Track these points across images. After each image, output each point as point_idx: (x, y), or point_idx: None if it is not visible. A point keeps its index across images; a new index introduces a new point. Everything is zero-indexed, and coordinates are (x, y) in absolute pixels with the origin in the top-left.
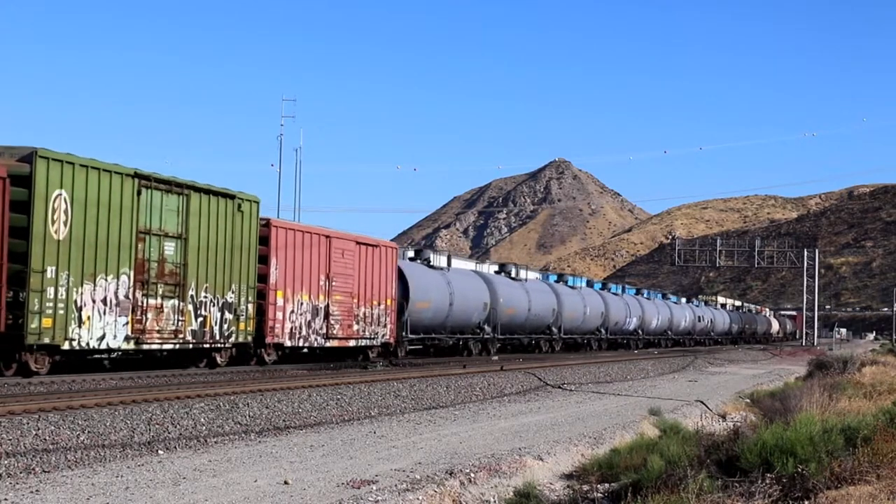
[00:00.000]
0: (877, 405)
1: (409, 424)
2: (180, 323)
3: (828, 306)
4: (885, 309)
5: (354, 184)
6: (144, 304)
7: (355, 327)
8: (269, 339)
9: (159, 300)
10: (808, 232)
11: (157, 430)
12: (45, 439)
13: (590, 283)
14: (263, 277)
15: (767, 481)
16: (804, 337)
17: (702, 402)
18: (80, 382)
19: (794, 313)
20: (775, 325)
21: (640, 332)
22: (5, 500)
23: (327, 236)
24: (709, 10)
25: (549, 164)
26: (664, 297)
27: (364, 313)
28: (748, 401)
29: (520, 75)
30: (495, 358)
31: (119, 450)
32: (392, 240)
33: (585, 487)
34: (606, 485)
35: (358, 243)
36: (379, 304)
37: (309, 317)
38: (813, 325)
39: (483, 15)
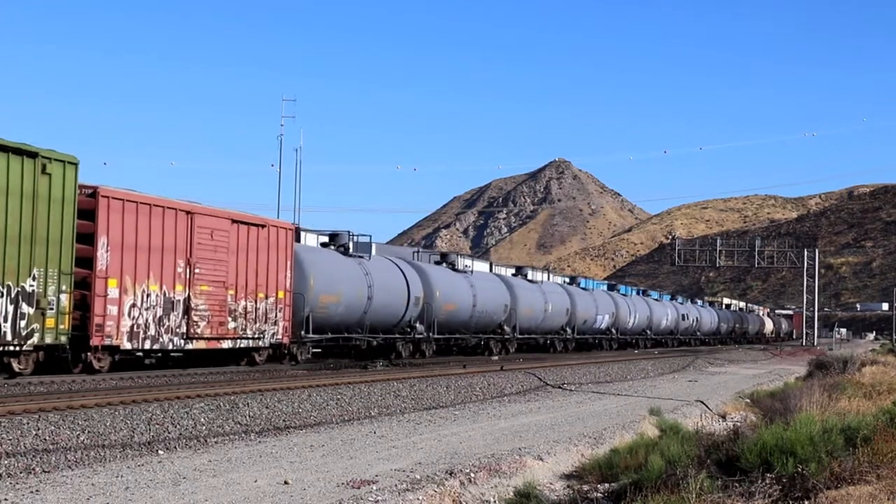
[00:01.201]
0: (877, 405)
1: (409, 424)
2: None
3: (826, 308)
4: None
5: (354, 184)
6: None
7: (231, 325)
8: (96, 341)
9: None
10: (808, 232)
11: (157, 430)
12: (45, 439)
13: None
14: (89, 262)
15: (767, 481)
16: (804, 337)
17: (702, 402)
18: (80, 382)
19: (790, 313)
20: (769, 325)
21: (613, 330)
22: (5, 500)
23: (188, 212)
24: (709, 11)
25: (549, 164)
26: (644, 293)
27: (245, 308)
28: (748, 401)
29: (520, 75)
30: (495, 358)
31: (119, 450)
32: (392, 240)
33: (585, 487)
34: (606, 485)
35: (234, 221)
36: (267, 298)
37: (160, 312)
38: (813, 324)
39: (483, 15)
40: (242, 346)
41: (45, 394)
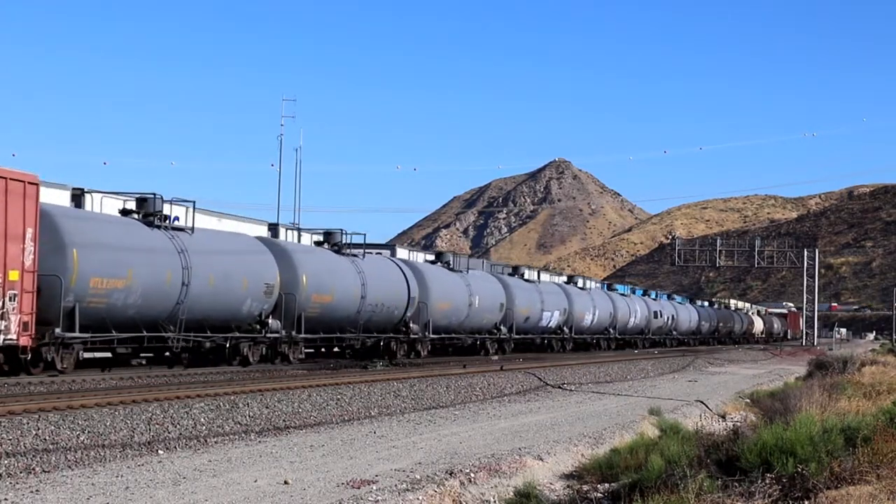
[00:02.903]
0: (877, 405)
1: (409, 424)
2: None
3: (836, 303)
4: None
5: (354, 184)
6: None
7: None
8: None
9: None
10: (808, 232)
11: (157, 430)
12: (45, 439)
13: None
14: None
15: (767, 481)
16: (804, 337)
17: (702, 402)
18: (80, 382)
19: (784, 311)
20: (758, 325)
21: (564, 329)
22: (5, 500)
23: None
24: (709, 11)
25: (549, 164)
26: (609, 287)
27: None
28: (748, 401)
29: (520, 75)
30: (495, 358)
31: (119, 450)
32: (391, 240)
33: (585, 487)
34: (606, 485)
35: None
36: None
37: None
38: (813, 324)
39: (483, 15)
40: None
41: (45, 394)
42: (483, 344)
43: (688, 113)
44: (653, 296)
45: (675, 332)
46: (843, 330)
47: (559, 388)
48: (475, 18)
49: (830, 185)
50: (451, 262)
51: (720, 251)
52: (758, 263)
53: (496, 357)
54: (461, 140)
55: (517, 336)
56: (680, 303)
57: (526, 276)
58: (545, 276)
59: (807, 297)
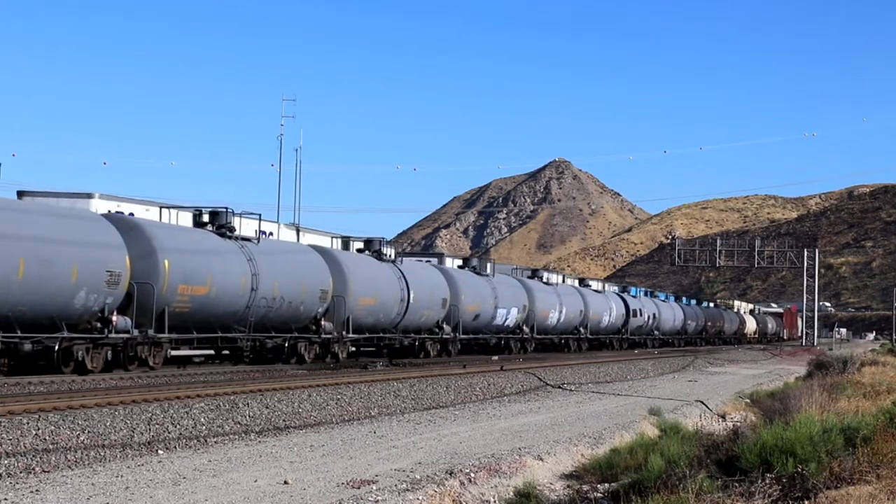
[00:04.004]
0: (876, 405)
1: (409, 424)
2: None
3: (827, 303)
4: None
5: (354, 184)
6: None
7: None
8: None
9: None
10: (808, 232)
11: (157, 430)
12: (45, 439)
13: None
14: None
15: (767, 481)
16: (804, 337)
17: (702, 402)
18: (80, 382)
19: (780, 310)
20: (750, 325)
21: (524, 329)
22: (5, 500)
23: None
24: (709, 11)
25: (549, 163)
26: (582, 283)
27: None
28: (748, 401)
29: (520, 75)
30: (495, 358)
31: (119, 450)
32: (391, 240)
33: (585, 487)
34: (606, 485)
35: None
36: None
37: None
38: (813, 324)
39: (483, 15)
40: None
41: (45, 394)
42: (423, 344)
43: (688, 113)
44: (633, 293)
45: (656, 332)
46: (843, 330)
47: (559, 388)
48: (475, 18)
49: (830, 185)
50: (477, 267)
51: (720, 251)
52: (758, 263)
53: (496, 357)
54: (461, 140)
55: (463, 336)
56: (663, 300)
57: (478, 269)
58: (504, 270)
59: (807, 297)
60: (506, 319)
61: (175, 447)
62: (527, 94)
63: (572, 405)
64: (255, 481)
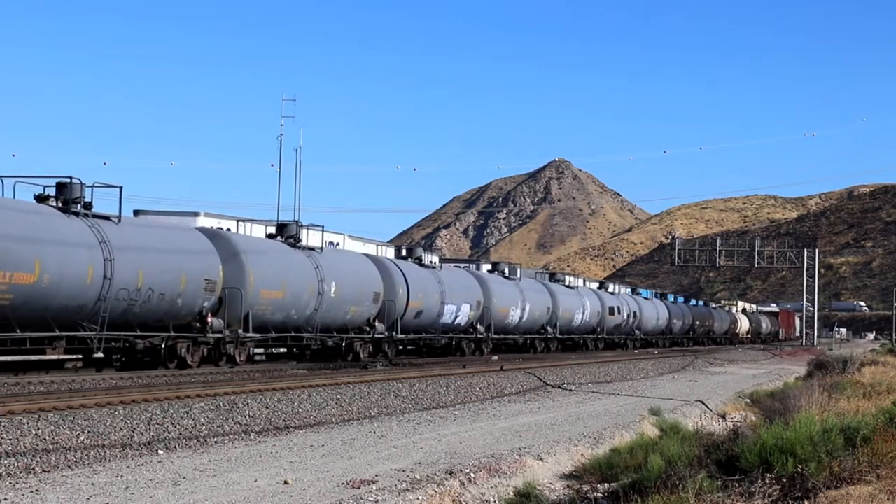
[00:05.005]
0: (876, 405)
1: (409, 424)
2: None
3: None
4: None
5: (354, 184)
6: None
7: None
8: None
9: None
10: (808, 232)
11: (157, 430)
12: (45, 439)
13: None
14: None
15: (767, 481)
16: (804, 337)
17: (702, 402)
18: (80, 382)
19: (776, 310)
20: (743, 324)
21: (479, 327)
22: (5, 500)
23: None
24: (708, 11)
25: (549, 163)
26: (552, 278)
27: None
28: (748, 401)
29: (519, 75)
30: (495, 358)
31: (119, 450)
32: (391, 240)
33: (585, 487)
34: (606, 485)
35: None
36: None
37: None
38: (813, 324)
39: (482, 15)
40: None
41: (45, 394)
42: (350, 345)
43: (688, 113)
44: (611, 289)
45: (637, 332)
46: (843, 330)
47: (559, 388)
48: (475, 18)
49: (830, 185)
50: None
51: (720, 251)
52: (758, 263)
53: (496, 357)
54: (461, 140)
55: (401, 336)
56: (646, 298)
57: (423, 259)
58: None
59: (807, 297)
60: (455, 317)
61: (175, 447)
62: (527, 94)
63: (572, 405)
64: (255, 481)
